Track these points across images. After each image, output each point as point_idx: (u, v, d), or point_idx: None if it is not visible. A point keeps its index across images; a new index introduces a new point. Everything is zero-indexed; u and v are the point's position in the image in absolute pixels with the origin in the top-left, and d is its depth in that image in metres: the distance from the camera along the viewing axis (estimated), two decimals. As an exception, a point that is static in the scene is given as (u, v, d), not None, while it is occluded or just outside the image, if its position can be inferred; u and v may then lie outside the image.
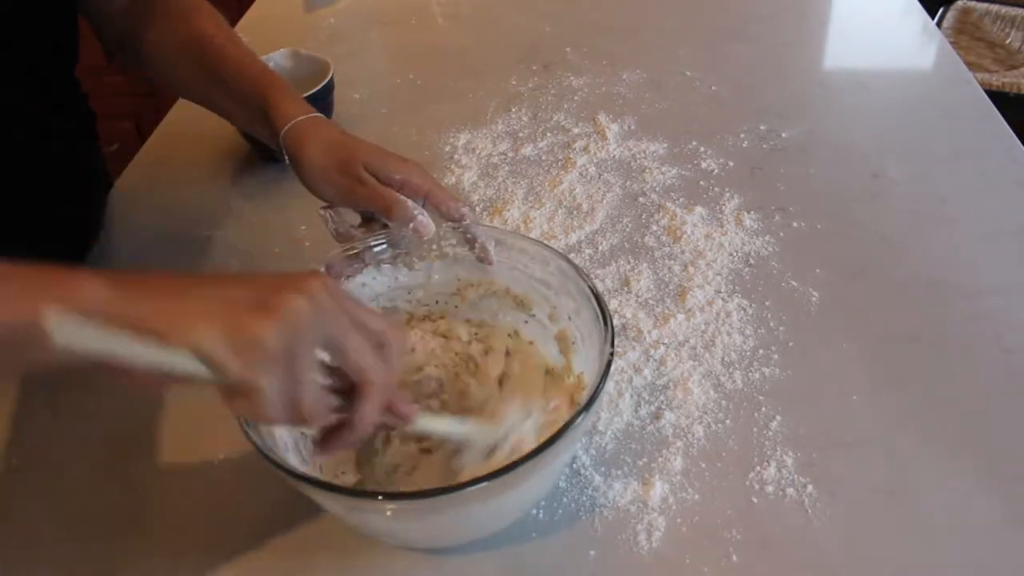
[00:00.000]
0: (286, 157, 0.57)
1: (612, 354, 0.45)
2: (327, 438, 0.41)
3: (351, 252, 0.54)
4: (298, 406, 0.37)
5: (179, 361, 0.34)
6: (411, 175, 0.54)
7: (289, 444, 0.47)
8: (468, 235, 0.55)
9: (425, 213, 0.54)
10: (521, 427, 0.47)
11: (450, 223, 0.55)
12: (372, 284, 0.55)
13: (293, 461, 0.45)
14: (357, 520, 0.45)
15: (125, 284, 0.36)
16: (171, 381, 0.35)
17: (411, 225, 0.53)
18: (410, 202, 0.53)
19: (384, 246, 0.55)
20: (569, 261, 0.51)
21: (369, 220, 0.56)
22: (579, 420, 0.41)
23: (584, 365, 0.50)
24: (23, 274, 0.35)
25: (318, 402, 0.38)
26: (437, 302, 0.57)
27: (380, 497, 0.40)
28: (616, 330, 0.60)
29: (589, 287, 0.49)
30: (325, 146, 0.55)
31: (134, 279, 0.37)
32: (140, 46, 0.66)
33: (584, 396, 0.47)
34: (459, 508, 0.42)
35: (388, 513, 0.42)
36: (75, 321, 0.33)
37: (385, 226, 0.55)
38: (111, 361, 0.34)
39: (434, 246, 0.55)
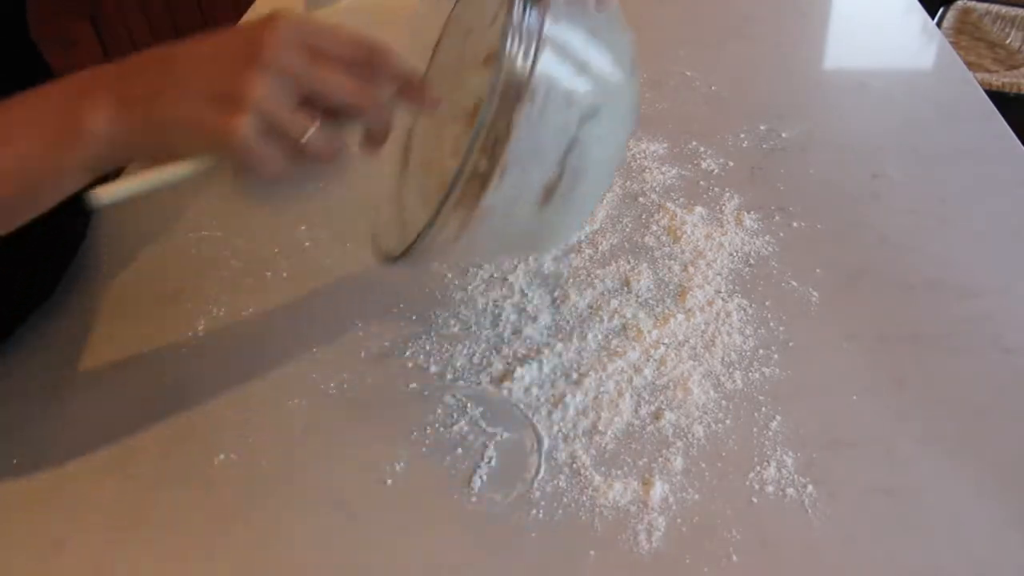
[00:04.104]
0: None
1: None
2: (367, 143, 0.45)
3: None
4: (294, 143, 0.40)
5: (192, 168, 0.40)
6: None
7: None
8: None
9: None
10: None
11: None
12: None
13: None
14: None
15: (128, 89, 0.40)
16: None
17: None
18: None
19: None
20: None
21: None
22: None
23: None
24: (33, 116, 0.41)
25: (314, 138, 0.41)
26: None
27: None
28: (616, 330, 0.60)
29: None
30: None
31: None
32: None
33: None
34: None
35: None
36: (116, 188, 0.39)
37: None
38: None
39: None
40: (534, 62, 0.41)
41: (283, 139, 0.40)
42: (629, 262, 0.66)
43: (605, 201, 0.73)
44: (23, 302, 0.64)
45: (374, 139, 0.46)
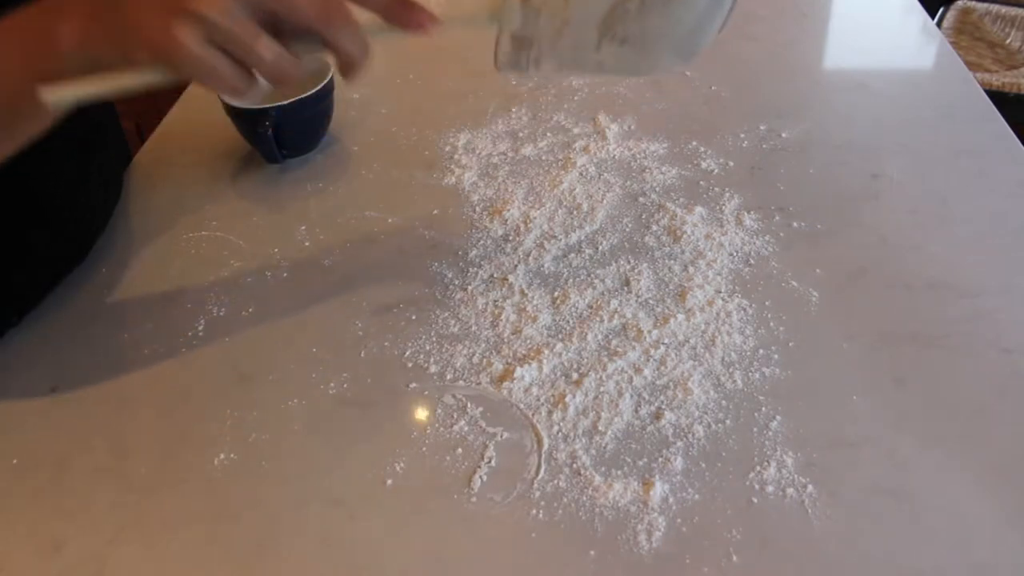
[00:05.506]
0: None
1: None
2: (343, 69, 0.45)
3: None
4: (257, 63, 0.41)
5: (153, 77, 0.41)
6: None
7: None
8: None
9: None
10: None
11: None
12: None
13: None
14: None
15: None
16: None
17: None
18: None
19: None
20: None
21: None
22: None
23: None
24: (11, 34, 0.43)
25: (276, 57, 0.42)
26: None
27: None
28: (616, 330, 0.60)
29: None
30: None
31: None
32: None
33: None
34: None
35: None
36: (67, 88, 0.41)
37: None
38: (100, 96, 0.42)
39: None
40: None
41: (233, 50, 0.41)
42: (629, 262, 0.66)
43: (605, 201, 0.73)
44: (55, 264, 0.66)
45: (349, 65, 0.45)
